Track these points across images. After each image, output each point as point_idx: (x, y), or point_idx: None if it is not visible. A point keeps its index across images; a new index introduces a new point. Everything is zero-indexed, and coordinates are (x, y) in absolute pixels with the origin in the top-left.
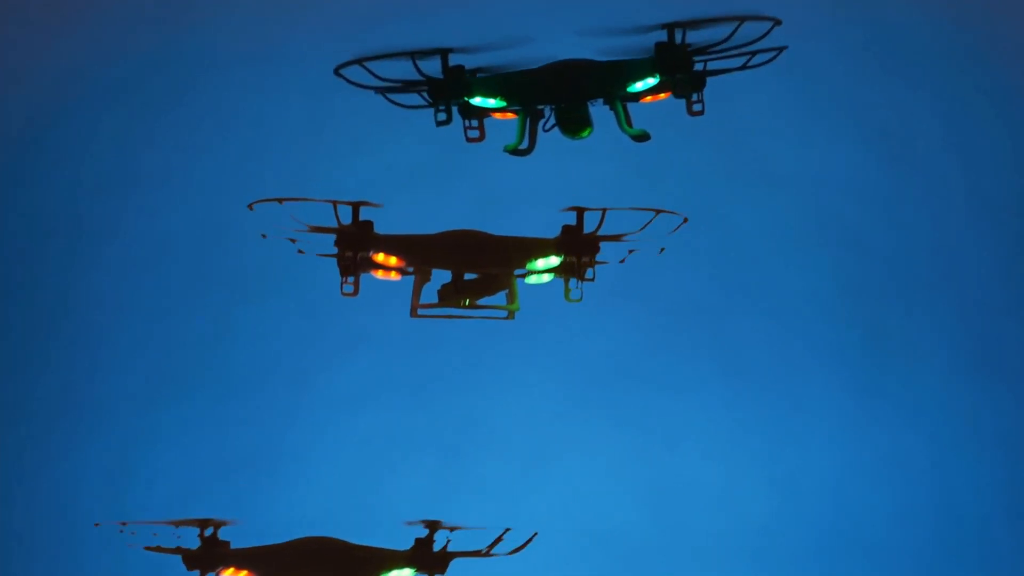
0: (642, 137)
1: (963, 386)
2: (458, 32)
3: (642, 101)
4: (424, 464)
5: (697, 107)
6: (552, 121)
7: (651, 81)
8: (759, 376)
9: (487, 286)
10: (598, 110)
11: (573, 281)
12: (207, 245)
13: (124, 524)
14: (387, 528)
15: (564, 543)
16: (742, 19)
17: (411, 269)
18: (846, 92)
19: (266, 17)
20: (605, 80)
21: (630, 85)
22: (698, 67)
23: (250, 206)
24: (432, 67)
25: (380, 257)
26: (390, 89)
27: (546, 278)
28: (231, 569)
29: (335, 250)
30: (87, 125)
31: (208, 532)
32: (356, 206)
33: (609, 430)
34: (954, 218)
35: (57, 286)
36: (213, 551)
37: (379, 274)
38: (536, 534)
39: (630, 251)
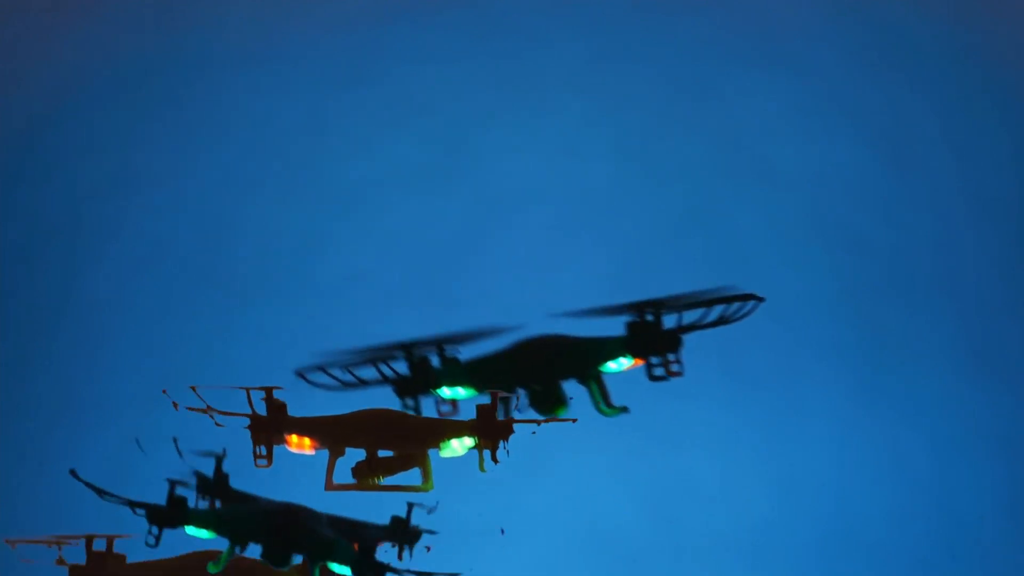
0: (622, 411)
1: (963, 386)
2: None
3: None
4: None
5: (675, 367)
6: (524, 401)
7: (624, 362)
8: (759, 376)
9: (401, 463)
10: None
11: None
12: (207, 245)
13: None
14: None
15: (564, 543)
16: (719, 300)
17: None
18: (846, 92)
19: (266, 17)
20: (577, 360)
21: (603, 365)
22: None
23: (164, 390)
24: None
25: (294, 440)
26: (355, 386)
27: (461, 452)
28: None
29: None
30: (87, 125)
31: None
32: (269, 391)
33: (609, 430)
34: (954, 218)
35: (57, 286)
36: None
37: (293, 447)
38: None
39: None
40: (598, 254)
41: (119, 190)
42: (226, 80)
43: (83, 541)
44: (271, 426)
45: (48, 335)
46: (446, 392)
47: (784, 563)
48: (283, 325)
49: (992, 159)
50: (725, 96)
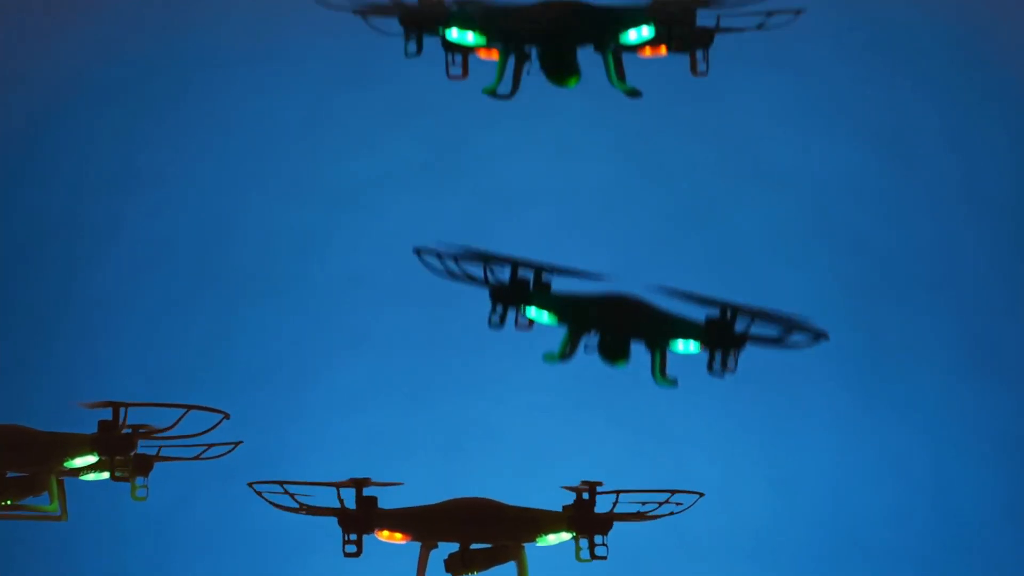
0: (633, 94)
1: (962, 386)
2: None
3: (639, 55)
4: (424, 464)
5: (702, 67)
6: (536, 64)
7: (646, 33)
8: (759, 376)
9: (496, 556)
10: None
11: (584, 541)
12: (207, 245)
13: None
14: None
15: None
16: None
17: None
18: (846, 92)
19: (266, 17)
20: (597, 24)
21: (623, 34)
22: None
23: (250, 485)
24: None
25: (385, 534)
26: (370, 11)
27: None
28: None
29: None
30: (87, 125)
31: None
32: (359, 486)
33: (607, 430)
34: (954, 218)
35: (57, 286)
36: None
37: (383, 537)
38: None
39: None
40: (598, 254)
41: (119, 190)
42: (226, 80)
43: None
44: (362, 522)
45: (48, 335)
46: (454, 34)
47: (784, 563)
48: (283, 325)
49: (992, 159)
50: (725, 96)
